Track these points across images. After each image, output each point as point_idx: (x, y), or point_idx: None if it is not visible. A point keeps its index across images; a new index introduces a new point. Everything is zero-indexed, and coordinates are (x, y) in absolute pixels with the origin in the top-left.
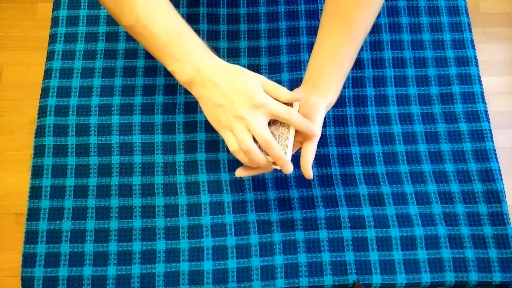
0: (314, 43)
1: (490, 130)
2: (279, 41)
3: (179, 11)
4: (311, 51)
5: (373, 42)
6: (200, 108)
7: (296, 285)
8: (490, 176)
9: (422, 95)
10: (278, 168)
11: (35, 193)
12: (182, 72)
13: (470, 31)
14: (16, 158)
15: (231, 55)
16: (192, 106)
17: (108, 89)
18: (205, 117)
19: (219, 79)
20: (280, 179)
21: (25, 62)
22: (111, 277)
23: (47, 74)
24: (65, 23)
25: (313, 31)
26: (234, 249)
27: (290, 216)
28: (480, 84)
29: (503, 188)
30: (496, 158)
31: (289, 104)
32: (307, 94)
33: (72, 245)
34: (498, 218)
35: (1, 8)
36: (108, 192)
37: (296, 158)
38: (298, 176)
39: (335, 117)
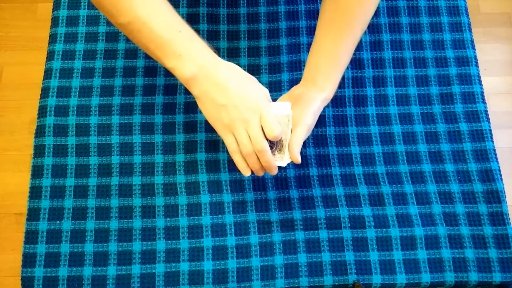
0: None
1: (490, 130)
2: (279, 41)
3: (179, 11)
4: None
5: (373, 42)
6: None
7: (296, 285)
8: (490, 176)
9: (422, 95)
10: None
11: (35, 193)
12: (183, 69)
13: (470, 31)
14: (16, 158)
15: (231, 55)
16: (192, 106)
17: (108, 89)
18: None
19: (224, 77)
20: (280, 179)
21: (25, 62)
22: (111, 277)
23: (47, 74)
24: (65, 23)
25: (313, 31)
26: (234, 249)
27: (290, 216)
28: (480, 84)
29: (503, 188)
30: (496, 158)
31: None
32: (305, 89)
33: (72, 245)
34: (498, 218)
35: (1, 8)
36: (108, 192)
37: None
38: (298, 176)
39: (335, 117)
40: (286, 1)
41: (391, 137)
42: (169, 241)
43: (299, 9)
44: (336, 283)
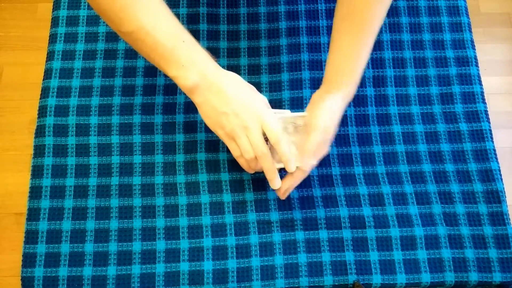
0: (314, 43)
1: (490, 130)
2: (279, 41)
3: (179, 11)
4: (311, 51)
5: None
6: None
7: (296, 285)
8: (490, 176)
9: (422, 95)
10: None
11: (35, 193)
12: (186, 78)
13: (470, 31)
14: (16, 158)
15: (231, 55)
16: (192, 106)
17: (108, 89)
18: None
19: (226, 86)
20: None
21: (25, 62)
22: (111, 277)
23: (47, 74)
24: (65, 23)
25: (313, 31)
26: (234, 249)
27: (290, 216)
28: (480, 84)
29: (503, 188)
30: (496, 158)
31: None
32: (324, 91)
33: (72, 245)
34: (498, 218)
35: (1, 8)
36: (108, 192)
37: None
38: None
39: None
40: (286, 1)
41: (391, 137)
42: (169, 241)
43: (299, 9)
44: (336, 283)
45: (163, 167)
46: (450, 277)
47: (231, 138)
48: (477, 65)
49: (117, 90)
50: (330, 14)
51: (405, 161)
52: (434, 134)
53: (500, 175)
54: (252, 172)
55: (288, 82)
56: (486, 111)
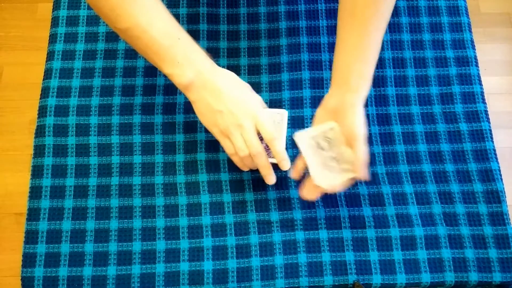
0: (314, 43)
1: (490, 130)
2: (279, 41)
3: (179, 11)
4: (311, 51)
5: None
6: None
7: (296, 285)
8: (490, 176)
9: (422, 95)
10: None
11: (35, 193)
12: (182, 75)
13: (470, 31)
14: (16, 158)
15: (231, 55)
16: (192, 106)
17: (108, 89)
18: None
19: (221, 84)
20: (280, 179)
21: (25, 62)
22: (111, 277)
23: (47, 74)
24: (65, 23)
25: (313, 31)
26: (234, 249)
27: (290, 216)
28: (480, 84)
29: (503, 188)
30: (496, 158)
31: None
32: (339, 94)
33: (72, 245)
34: (498, 218)
35: (1, 8)
36: (108, 192)
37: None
38: None
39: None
40: (286, 1)
41: (391, 137)
42: (169, 241)
43: (299, 9)
44: (336, 283)
45: (163, 167)
46: (450, 277)
47: (225, 136)
48: (477, 65)
49: (117, 90)
50: (330, 14)
51: (405, 161)
52: (434, 134)
53: (500, 175)
54: (247, 169)
55: (288, 82)
56: (486, 111)
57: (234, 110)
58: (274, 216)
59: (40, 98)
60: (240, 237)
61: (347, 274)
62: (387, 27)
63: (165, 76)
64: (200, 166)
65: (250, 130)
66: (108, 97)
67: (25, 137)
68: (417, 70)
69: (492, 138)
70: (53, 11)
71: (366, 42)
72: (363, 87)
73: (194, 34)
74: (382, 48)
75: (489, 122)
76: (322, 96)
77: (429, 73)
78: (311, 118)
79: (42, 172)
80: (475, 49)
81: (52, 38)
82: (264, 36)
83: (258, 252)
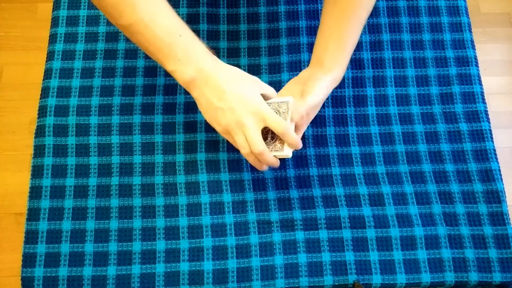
0: (314, 43)
1: (490, 130)
2: (279, 41)
3: (179, 11)
4: (311, 51)
5: (373, 42)
6: None
7: (296, 285)
8: (490, 176)
9: (422, 95)
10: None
11: (35, 193)
12: (183, 72)
13: (470, 31)
14: (16, 158)
15: (231, 55)
16: (192, 106)
17: (108, 89)
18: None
19: (222, 81)
20: (280, 179)
21: (25, 62)
22: (111, 277)
23: (47, 74)
24: (65, 23)
25: (313, 31)
26: (234, 249)
27: (290, 216)
28: (480, 84)
29: (503, 188)
30: (496, 158)
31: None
32: (312, 70)
33: (72, 245)
34: (498, 218)
35: (1, 8)
36: (108, 192)
37: (295, 158)
38: (298, 176)
39: (335, 117)
40: (286, 1)
41: (391, 137)
42: (169, 241)
43: (299, 9)
44: (336, 283)
45: (163, 167)
46: (450, 277)
47: (228, 133)
48: (477, 65)
49: (117, 90)
50: None
51: (405, 161)
52: (434, 134)
53: (500, 175)
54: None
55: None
56: (486, 111)
57: (235, 107)
58: (274, 216)
59: (40, 98)
60: (240, 237)
61: (347, 274)
62: (382, 28)
63: (165, 76)
64: (200, 166)
65: (252, 129)
66: (108, 97)
67: (25, 137)
68: (417, 70)
69: (492, 138)
70: (53, 11)
71: (344, 29)
72: (336, 68)
73: None
74: (382, 48)
75: (489, 122)
76: None
77: (429, 73)
78: None
79: (42, 172)
80: (475, 49)
81: (52, 38)
82: (264, 36)
83: (258, 252)
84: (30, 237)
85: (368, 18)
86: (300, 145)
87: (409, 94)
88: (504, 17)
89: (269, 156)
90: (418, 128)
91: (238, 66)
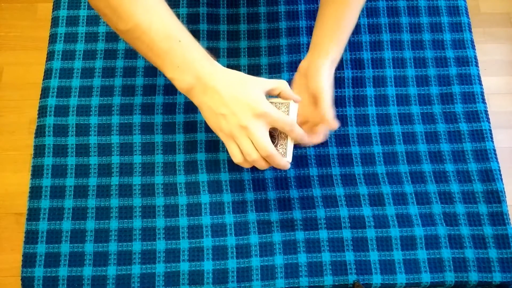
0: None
1: (490, 130)
2: (279, 41)
3: (179, 11)
4: None
5: (373, 42)
6: None
7: (296, 285)
8: (490, 176)
9: (422, 95)
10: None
11: (35, 193)
12: (182, 80)
13: (470, 31)
14: (16, 158)
15: (231, 55)
16: (192, 106)
17: (108, 89)
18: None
19: (221, 87)
20: (280, 179)
21: (25, 62)
22: (111, 277)
23: (47, 74)
24: (65, 23)
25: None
26: (234, 249)
27: (290, 216)
28: (480, 84)
29: (503, 188)
30: (496, 158)
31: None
32: (310, 58)
33: (72, 245)
34: (498, 218)
35: (1, 8)
36: (108, 192)
37: (295, 158)
38: (298, 176)
39: (335, 117)
40: (286, 1)
41: (391, 137)
42: (169, 241)
43: (299, 9)
44: (336, 283)
45: (163, 167)
46: (450, 277)
47: (232, 140)
48: (477, 65)
49: (117, 90)
50: None
51: (405, 161)
52: (434, 134)
53: (500, 175)
54: (266, 167)
55: (288, 82)
56: (486, 111)
57: (237, 112)
58: (274, 216)
59: (40, 98)
60: (240, 237)
61: (347, 274)
62: (382, 28)
63: (165, 76)
64: (200, 166)
65: (257, 132)
66: (108, 97)
67: (25, 137)
68: (417, 70)
69: (492, 138)
70: (53, 11)
71: (341, 17)
72: (333, 49)
73: (194, 34)
74: (382, 48)
75: (489, 122)
76: None
77: (429, 73)
78: None
79: (42, 172)
80: (475, 49)
81: (52, 38)
82: (264, 36)
83: (258, 252)
84: (30, 237)
85: (368, 18)
86: (305, 138)
87: (409, 94)
88: (504, 17)
89: (279, 157)
90: (418, 128)
91: (238, 66)
